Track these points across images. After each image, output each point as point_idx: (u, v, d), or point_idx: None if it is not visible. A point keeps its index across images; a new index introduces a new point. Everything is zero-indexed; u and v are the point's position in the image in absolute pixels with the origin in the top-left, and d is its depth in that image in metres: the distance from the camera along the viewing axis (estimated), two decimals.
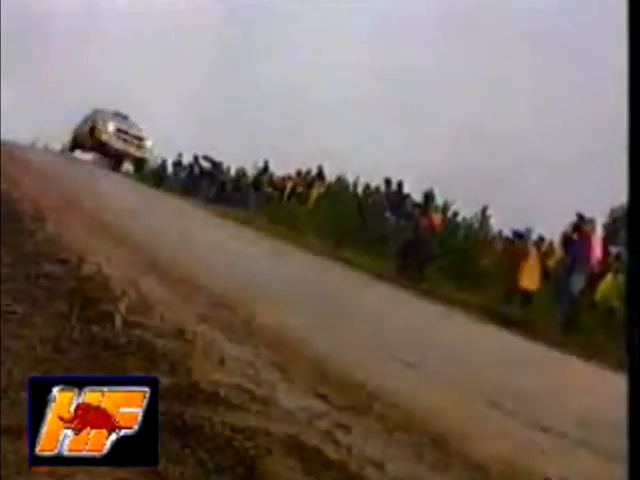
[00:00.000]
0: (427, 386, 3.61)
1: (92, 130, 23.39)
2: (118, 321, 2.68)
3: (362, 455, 2.08)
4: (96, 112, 24.94)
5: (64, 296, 2.85)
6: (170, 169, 28.80)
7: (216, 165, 24.15)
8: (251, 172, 23.00)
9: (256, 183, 19.21)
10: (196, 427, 1.85)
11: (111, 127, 22.78)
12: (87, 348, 2.28)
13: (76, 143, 25.46)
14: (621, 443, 3.44)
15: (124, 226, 6.37)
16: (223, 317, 3.37)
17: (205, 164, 24.74)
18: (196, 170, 26.55)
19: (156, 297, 3.40)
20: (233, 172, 21.85)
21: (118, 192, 13.36)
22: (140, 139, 23.14)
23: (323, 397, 2.56)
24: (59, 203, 6.56)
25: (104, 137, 22.64)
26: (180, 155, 27.43)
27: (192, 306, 3.44)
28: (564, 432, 3.48)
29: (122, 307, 2.87)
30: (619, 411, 4.33)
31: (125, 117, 24.15)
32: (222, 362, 2.53)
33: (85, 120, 25.25)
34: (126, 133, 22.97)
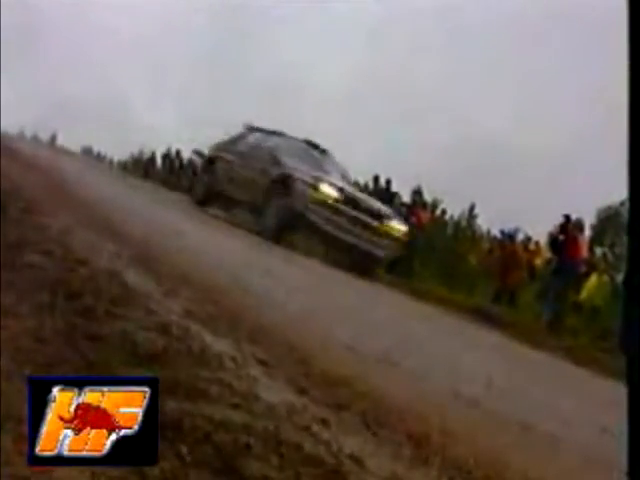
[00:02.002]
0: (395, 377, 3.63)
1: (285, 182, 10.69)
2: (100, 312, 2.68)
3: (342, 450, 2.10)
4: (263, 134, 12.87)
5: (48, 287, 2.84)
6: (159, 162, 28.77)
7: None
8: None
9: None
10: (175, 421, 1.86)
11: (327, 188, 10.40)
12: (68, 339, 2.29)
13: (225, 195, 12.60)
14: (603, 442, 3.48)
15: (111, 218, 6.35)
16: (207, 311, 3.38)
17: (195, 157, 24.72)
18: (176, 163, 26.40)
19: (141, 290, 3.40)
20: None
21: (106, 184, 13.33)
22: (379, 216, 10.90)
23: (305, 392, 2.57)
24: (46, 194, 6.54)
25: (318, 217, 10.24)
26: (169, 149, 27.15)
27: (177, 300, 3.44)
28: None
29: (106, 299, 2.87)
30: (601, 411, 4.37)
31: (323, 151, 12.50)
32: (204, 356, 2.54)
33: (237, 147, 12.89)
34: (356, 204, 10.65)
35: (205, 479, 1.69)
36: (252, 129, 13.31)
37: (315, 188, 10.31)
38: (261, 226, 10.80)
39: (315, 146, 12.37)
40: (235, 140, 13.25)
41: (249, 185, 11.58)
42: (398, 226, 11.17)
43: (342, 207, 10.34)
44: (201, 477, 1.69)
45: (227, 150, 13.05)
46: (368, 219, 10.61)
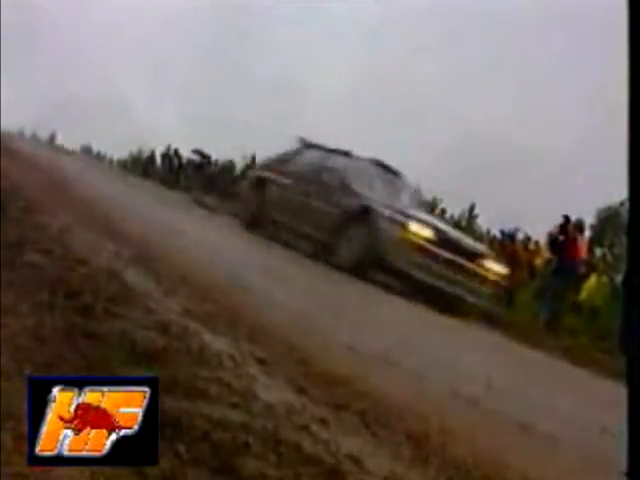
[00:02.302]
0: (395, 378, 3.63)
1: (364, 216, 9.17)
2: (100, 311, 2.68)
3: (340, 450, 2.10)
4: (322, 152, 11.22)
5: (48, 286, 2.84)
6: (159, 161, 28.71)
7: (205, 157, 24.09)
8: (239, 165, 22.78)
9: (244, 176, 18.90)
10: (174, 419, 1.86)
11: (418, 227, 8.93)
12: (68, 338, 2.29)
13: (279, 223, 10.98)
14: (602, 442, 3.48)
15: (111, 217, 6.35)
16: (206, 310, 3.38)
17: (194, 157, 24.73)
18: (176, 162, 26.33)
19: (140, 289, 3.40)
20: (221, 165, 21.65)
21: (106, 183, 13.34)
22: (474, 256, 9.43)
23: (304, 391, 2.57)
24: (46, 193, 6.54)
25: (405, 260, 8.79)
26: (168, 148, 27.12)
27: (176, 299, 3.43)
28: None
29: (105, 298, 2.87)
30: (601, 411, 4.36)
31: (396, 173, 11.06)
32: (203, 355, 2.54)
33: (292, 167, 11.22)
34: (449, 244, 9.15)
35: (203, 478, 1.69)
36: (308, 145, 11.56)
37: (404, 227, 8.86)
38: (337, 260, 9.34)
39: (387, 168, 10.88)
40: (288, 158, 11.47)
41: (311, 214, 10.08)
42: (494, 267, 9.66)
43: (433, 248, 8.92)
44: (199, 476, 1.69)
45: (280, 170, 11.28)
46: (462, 260, 9.18)
